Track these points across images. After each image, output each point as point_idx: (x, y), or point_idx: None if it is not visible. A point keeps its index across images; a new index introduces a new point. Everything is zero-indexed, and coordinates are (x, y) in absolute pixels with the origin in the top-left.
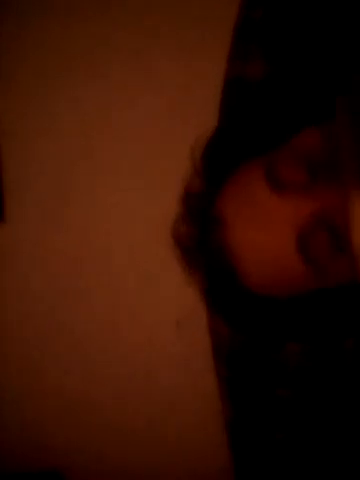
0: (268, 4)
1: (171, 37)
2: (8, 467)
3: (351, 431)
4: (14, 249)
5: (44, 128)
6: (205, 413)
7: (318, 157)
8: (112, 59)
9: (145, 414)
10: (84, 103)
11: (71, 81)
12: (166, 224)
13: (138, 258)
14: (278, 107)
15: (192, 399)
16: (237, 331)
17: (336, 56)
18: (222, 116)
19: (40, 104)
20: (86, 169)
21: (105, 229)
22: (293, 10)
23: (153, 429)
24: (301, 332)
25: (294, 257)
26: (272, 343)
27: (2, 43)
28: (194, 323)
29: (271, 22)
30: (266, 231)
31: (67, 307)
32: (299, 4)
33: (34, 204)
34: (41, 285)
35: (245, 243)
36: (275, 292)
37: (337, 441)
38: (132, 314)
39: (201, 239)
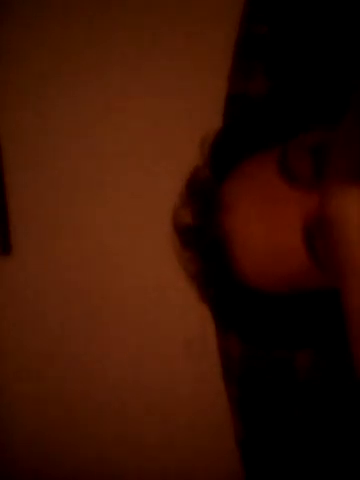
0: (273, 21)
1: (172, 39)
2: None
3: None
4: (21, 281)
5: (48, 156)
6: (216, 432)
7: (323, 152)
8: (113, 59)
9: (154, 433)
10: (89, 116)
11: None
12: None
13: (146, 278)
14: (282, 118)
15: (202, 418)
16: (238, 332)
17: (340, 66)
18: None
19: (44, 126)
20: (92, 198)
21: (112, 252)
22: (297, 27)
23: (162, 448)
24: (299, 334)
25: (298, 248)
26: (279, 351)
27: (2, 45)
28: (203, 342)
29: (275, 39)
30: (272, 218)
31: (75, 334)
32: (303, 21)
33: (40, 236)
34: (48, 315)
35: (247, 228)
36: (272, 285)
37: (353, 458)
38: (141, 334)
39: (201, 221)
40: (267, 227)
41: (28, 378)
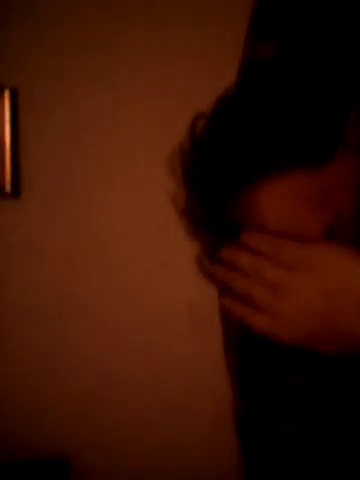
0: None
1: (177, 31)
2: (14, 455)
3: None
4: (30, 225)
5: (60, 107)
6: (217, 408)
7: None
8: (119, 56)
9: (155, 407)
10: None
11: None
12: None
13: (151, 246)
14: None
15: (205, 392)
16: None
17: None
18: None
19: (57, 88)
20: (103, 147)
21: (119, 211)
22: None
23: (162, 421)
24: None
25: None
26: None
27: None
28: (207, 313)
29: (284, 6)
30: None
31: (81, 279)
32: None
33: (51, 180)
34: (54, 258)
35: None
36: None
37: (350, 436)
38: (143, 302)
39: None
40: None
41: (35, 328)
